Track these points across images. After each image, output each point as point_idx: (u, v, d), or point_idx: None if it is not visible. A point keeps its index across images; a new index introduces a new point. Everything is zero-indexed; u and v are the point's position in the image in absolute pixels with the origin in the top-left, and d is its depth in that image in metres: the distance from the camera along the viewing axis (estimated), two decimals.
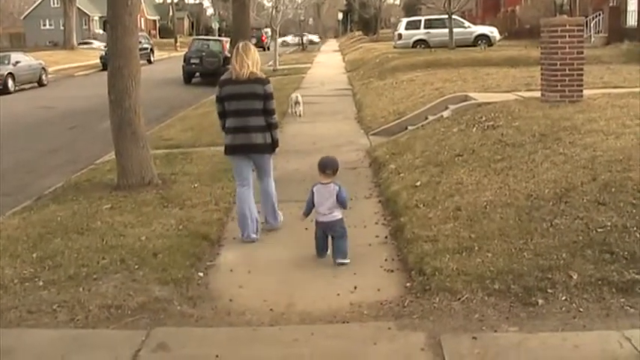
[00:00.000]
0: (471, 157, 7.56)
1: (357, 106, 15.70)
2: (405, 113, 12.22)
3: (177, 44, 61.38)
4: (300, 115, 14.21)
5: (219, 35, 50.78)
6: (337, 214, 5.55)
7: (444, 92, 12.68)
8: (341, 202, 5.52)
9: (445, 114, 10.51)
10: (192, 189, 7.84)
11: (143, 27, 74.12)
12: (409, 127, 11.06)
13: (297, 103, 14.60)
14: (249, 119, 6.06)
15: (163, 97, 21.03)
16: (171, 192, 7.68)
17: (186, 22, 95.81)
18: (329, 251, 5.62)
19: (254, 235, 6.22)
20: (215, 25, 61.38)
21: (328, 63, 35.07)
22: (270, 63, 29.55)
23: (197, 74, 27.08)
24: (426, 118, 11.16)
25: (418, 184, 7.16)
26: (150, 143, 8.58)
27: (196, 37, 40.23)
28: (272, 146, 6.20)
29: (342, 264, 5.42)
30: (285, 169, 9.16)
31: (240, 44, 6.22)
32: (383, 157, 9.20)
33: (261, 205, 6.46)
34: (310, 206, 5.65)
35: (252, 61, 6.06)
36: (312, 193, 5.62)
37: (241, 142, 6.12)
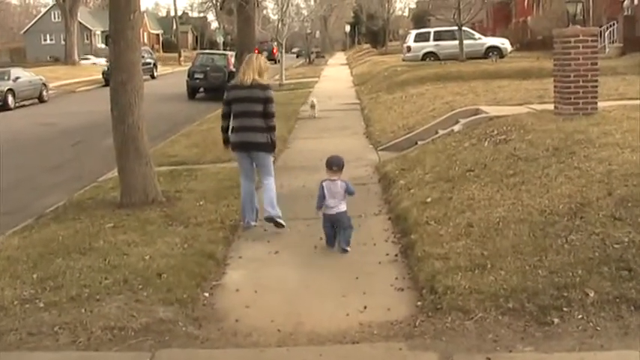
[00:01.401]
0: (482, 172, 7.56)
1: (366, 120, 15.75)
2: (415, 128, 12.26)
3: (181, 59, 61.89)
4: (313, 116, 17.01)
5: (224, 49, 51.11)
6: (343, 207, 6.47)
7: (455, 106, 12.73)
8: (350, 192, 6.49)
9: (456, 128, 10.53)
10: (197, 207, 7.89)
11: (146, 41, 74.79)
12: (419, 142, 11.08)
13: (313, 106, 17.36)
14: (251, 120, 7.00)
15: (167, 112, 21.17)
16: (175, 210, 7.72)
17: (190, 36, 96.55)
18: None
19: (253, 223, 7.25)
20: (220, 39, 61.82)
21: (336, 77, 35.23)
22: (277, 77, 29.72)
23: (201, 89, 27.27)
24: (437, 133, 11.18)
25: (429, 200, 7.17)
26: (153, 160, 8.63)
27: (200, 51, 40.66)
28: (270, 146, 7.08)
29: (346, 251, 6.31)
30: (291, 185, 9.19)
31: (248, 56, 7.28)
32: (392, 172, 9.22)
33: (264, 200, 7.19)
34: (322, 200, 6.48)
35: (254, 70, 7.08)
36: (323, 188, 6.48)
37: (243, 139, 7.08)
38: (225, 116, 7.25)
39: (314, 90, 26.26)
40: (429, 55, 30.91)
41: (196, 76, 26.82)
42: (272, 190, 7.13)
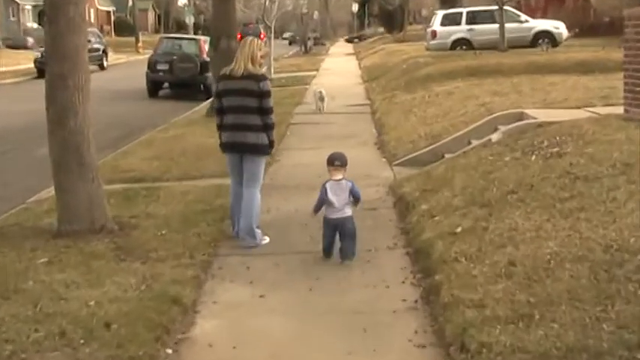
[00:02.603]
0: (528, 195, 7.58)
1: (378, 127, 15.82)
2: (441, 137, 12.31)
3: (140, 44, 62.12)
4: (321, 110, 18.69)
5: (195, 33, 51.36)
6: (348, 211, 7.12)
7: (493, 109, 12.79)
8: (355, 198, 7.15)
9: (494, 137, 10.57)
10: (159, 237, 7.91)
11: (93, 20, 75.02)
12: (446, 155, 11.12)
13: (321, 98, 18.84)
14: (244, 117, 7.64)
15: (121, 114, 21.25)
16: (130, 241, 7.73)
17: (150, 16, 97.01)
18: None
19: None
20: (189, 20, 62.05)
21: (339, 70, 35.43)
22: (264, 70, 29.85)
23: (166, 84, 27.36)
24: (469, 143, 11.23)
25: (458, 230, 7.19)
26: (103, 176, 8.66)
27: (165, 35, 40.76)
28: (267, 147, 7.76)
29: (346, 262, 7.00)
30: (281, 209, 9.22)
31: (242, 41, 7.93)
32: (411, 194, 9.25)
33: (241, 218, 7.75)
34: (322, 202, 7.14)
35: (246, 57, 7.66)
36: (325, 189, 7.12)
37: (235, 139, 7.73)
38: (219, 111, 7.93)
39: (311, 87, 26.38)
40: (461, 43, 31.09)
41: (159, 67, 26.93)
42: (254, 208, 7.76)
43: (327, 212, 7.23)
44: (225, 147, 7.92)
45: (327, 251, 7.23)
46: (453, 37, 31.43)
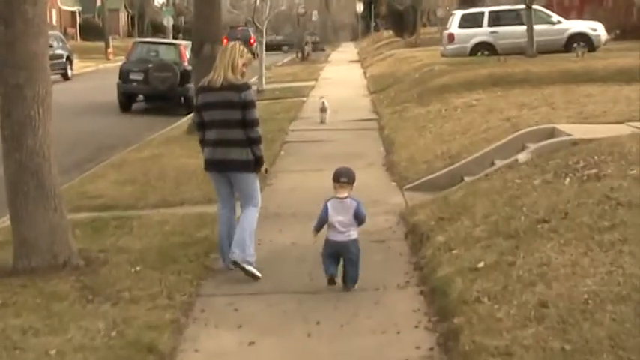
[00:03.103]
0: (562, 225, 7.58)
1: (387, 145, 15.85)
2: (460, 156, 12.32)
3: (110, 50, 62.24)
4: (323, 122, 19.62)
5: (175, 37, 51.55)
6: (354, 234, 7.43)
7: (520, 124, 12.80)
8: (359, 220, 7.44)
9: (522, 157, 10.58)
10: (133, 274, 7.91)
11: (56, 22, 75.19)
12: (466, 179, 11.13)
13: (323, 109, 19.68)
14: (227, 132, 7.91)
15: (88, 131, 21.26)
16: (98, 278, 7.72)
17: (122, 17, 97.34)
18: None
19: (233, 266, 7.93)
20: (168, 22, 62.32)
21: (342, 80, 35.49)
22: (254, 80, 29.93)
23: (140, 97, 27.38)
24: (493, 164, 11.24)
25: (480, 265, 7.19)
26: (67, 203, 8.65)
27: (140, 39, 40.75)
28: (253, 164, 7.97)
29: (350, 288, 7.43)
30: (274, 242, 9.21)
31: (222, 48, 8.28)
32: (426, 224, 9.25)
33: (235, 235, 8.02)
34: (323, 221, 7.46)
35: (225, 65, 7.92)
36: (326, 207, 7.42)
37: (218, 156, 8.00)
38: (200, 127, 8.22)
39: (308, 99, 26.44)
40: (482, 48, 31.24)
41: (133, 76, 26.93)
42: (249, 223, 8.04)
43: (329, 233, 7.49)
44: (208, 165, 8.17)
45: (328, 268, 7.47)
46: (474, 41, 31.57)
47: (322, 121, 19.71)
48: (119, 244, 9.07)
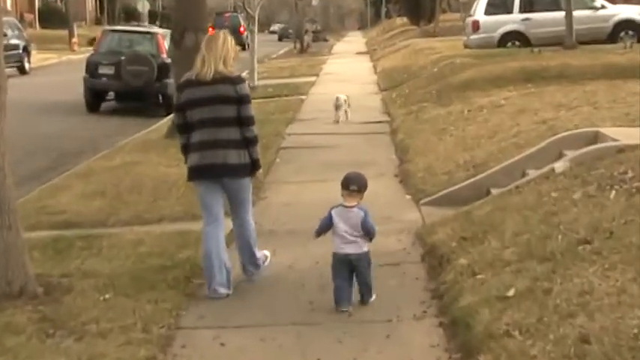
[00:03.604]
0: (606, 246, 7.58)
1: (400, 152, 15.85)
2: (486, 165, 12.30)
3: (75, 40, 62.16)
4: (345, 119, 20.14)
5: (151, 24, 51.38)
6: (364, 246, 7.73)
7: (557, 127, 12.79)
8: (367, 232, 7.69)
9: (558, 166, 10.57)
10: (101, 303, 7.92)
11: (10, 7, 75.03)
12: (493, 191, 11.12)
13: (339, 105, 20.06)
14: (219, 131, 8.10)
15: (49, 135, 21.21)
16: (60, 309, 7.71)
17: (90, 1, 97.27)
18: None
19: (222, 290, 8.18)
20: (143, 7, 62.27)
21: (347, 75, 35.50)
22: (245, 74, 29.94)
23: (111, 94, 27.32)
24: (525, 175, 11.23)
25: (510, 293, 7.17)
26: (23, 220, 8.65)
27: (110, 27, 40.72)
28: (250, 167, 8.25)
29: (366, 302, 7.81)
30: (270, 265, 9.17)
31: (207, 37, 8.49)
32: (446, 244, 9.24)
33: (237, 249, 8.51)
34: (326, 228, 7.80)
35: (217, 56, 8.07)
36: (330, 215, 7.71)
37: (209, 161, 8.13)
38: (183, 129, 8.36)
39: (308, 98, 26.48)
40: (512, 38, 31.24)
41: (102, 71, 26.91)
42: (250, 236, 8.49)
43: (336, 244, 7.78)
44: (198, 172, 8.28)
45: (339, 298, 7.72)
46: (502, 30, 31.54)
47: (336, 121, 20.07)
48: (85, 268, 9.05)
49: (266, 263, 8.77)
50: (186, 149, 8.34)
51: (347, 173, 7.89)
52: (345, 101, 20.39)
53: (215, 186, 8.27)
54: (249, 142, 8.21)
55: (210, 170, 8.18)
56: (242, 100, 8.14)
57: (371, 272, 7.84)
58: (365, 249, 7.75)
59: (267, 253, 8.94)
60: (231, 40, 8.24)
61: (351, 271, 7.72)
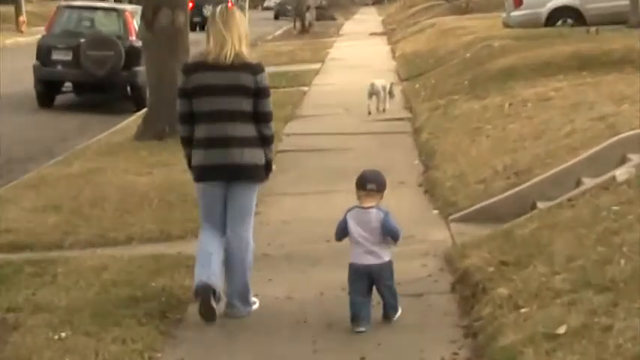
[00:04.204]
0: None
1: (424, 156, 15.85)
2: (532, 173, 12.28)
3: (23, 18, 62.29)
4: (383, 110, 21.09)
5: (117, 1, 51.52)
6: (385, 255, 8.06)
7: (619, 125, 12.77)
8: (391, 235, 8.04)
9: (621, 174, 10.55)
10: (56, 343, 7.90)
11: None
12: (539, 205, 11.10)
13: (374, 93, 20.98)
14: (231, 127, 8.36)
15: None
16: (6, 349, 7.71)
17: None
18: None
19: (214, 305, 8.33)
20: None
21: (359, 61, 35.54)
22: None
23: (68, 85, 27.29)
24: (579, 184, 11.21)
25: (562, 331, 7.16)
26: None
27: (66, 3, 40.74)
28: (264, 170, 8.60)
29: (390, 318, 8.18)
30: (265, 296, 9.20)
31: (220, 8, 8.50)
32: (482, 270, 9.20)
33: (226, 275, 8.55)
34: (342, 234, 8.21)
35: (237, 37, 8.27)
36: (346, 219, 8.07)
37: (218, 161, 8.40)
38: (187, 119, 8.58)
39: (311, 89, 26.54)
40: (564, 15, 31.31)
41: (57, 56, 26.88)
42: (247, 260, 8.64)
43: (353, 254, 8.14)
44: (205, 172, 8.55)
45: (356, 315, 8.03)
46: (551, 5, 31.61)
47: (370, 112, 20.93)
48: (36, 300, 9.01)
49: (254, 307, 8.75)
50: (187, 143, 8.53)
51: (362, 171, 8.26)
52: (384, 88, 21.19)
53: (219, 190, 8.53)
54: (265, 141, 8.53)
55: (218, 171, 8.46)
56: (261, 93, 8.38)
57: (394, 284, 8.14)
58: (387, 258, 8.07)
59: (255, 299, 8.87)
60: (242, 18, 8.46)
61: (370, 284, 7.97)
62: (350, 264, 8.09)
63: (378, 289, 8.09)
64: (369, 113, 20.70)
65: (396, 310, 8.18)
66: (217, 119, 8.35)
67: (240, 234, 8.55)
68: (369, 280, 8.00)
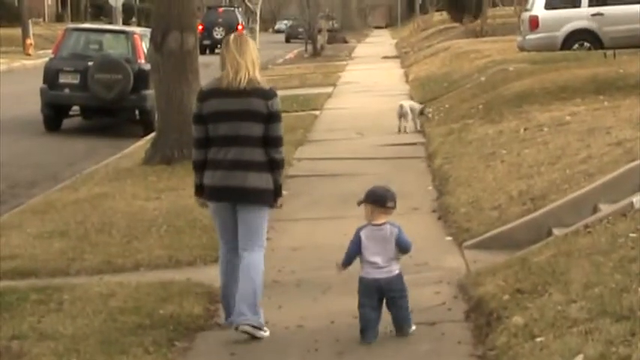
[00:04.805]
0: None
1: (438, 181, 15.83)
2: (547, 199, 12.27)
3: (30, 41, 62.46)
4: (414, 129, 22.23)
5: (126, 23, 51.69)
6: (395, 268, 8.31)
7: (636, 151, 12.75)
8: (403, 248, 8.36)
9: (638, 200, 10.53)
10: None
11: None
12: (555, 231, 11.08)
13: (403, 114, 22.03)
14: (244, 151, 8.65)
15: None
16: None
17: None
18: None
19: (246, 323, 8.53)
20: (115, 1, 62.51)
21: (372, 85, 35.63)
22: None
23: (75, 109, 27.28)
24: (596, 210, 11.19)
25: None
26: None
27: (74, 25, 40.92)
28: (273, 195, 8.80)
29: (405, 333, 8.41)
30: (275, 324, 9.19)
31: (233, 35, 8.89)
32: (496, 298, 9.18)
33: (238, 287, 8.69)
34: (353, 255, 8.33)
35: (251, 62, 8.58)
36: (359, 237, 8.28)
37: (229, 183, 8.69)
38: (202, 144, 8.87)
39: (322, 113, 26.54)
40: (581, 38, 31.23)
41: (64, 80, 26.89)
42: (258, 272, 8.79)
43: (363, 270, 8.24)
44: (211, 193, 8.87)
45: (366, 329, 8.27)
46: (567, 28, 31.51)
47: (400, 131, 22.27)
48: (42, 328, 9.00)
49: (265, 334, 8.76)
50: (200, 167, 8.77)
51: (374, 189, 8.61)
52: (413, 109, 22.55)
53: (227, 210, 8.86)
54: (275, 166, 8.79)
55: (223, 192, 8.77)
56: (273, 118, 8.67)
57: (407, 298, 8.38)
58: (396, 271, 8.34)
59: (265, 327, 8.85)
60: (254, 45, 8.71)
61: (380, 298, 8.16)
62: (360, 278, 8.31)
63: (389, 305, 8.31)
64: (399, 131, 21.88)
65: (410, 325, 8.39)
66: (229, 144, 8.61)
67: (252, 252, 8.74)
68: (378, 294, 8.18)
